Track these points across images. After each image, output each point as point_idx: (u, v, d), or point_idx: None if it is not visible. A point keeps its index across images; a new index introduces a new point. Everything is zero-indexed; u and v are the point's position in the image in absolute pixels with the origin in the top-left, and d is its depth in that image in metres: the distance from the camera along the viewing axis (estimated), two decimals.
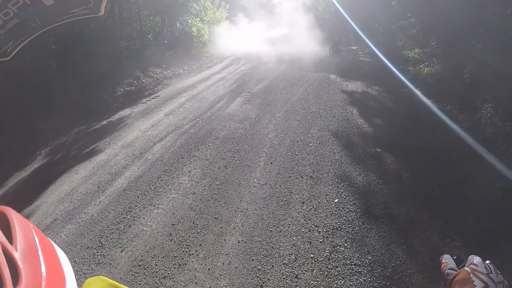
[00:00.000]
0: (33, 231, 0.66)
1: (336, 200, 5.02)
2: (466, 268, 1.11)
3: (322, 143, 7.05)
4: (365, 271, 3.70)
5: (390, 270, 3.71)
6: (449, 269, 1.26)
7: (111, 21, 15.92)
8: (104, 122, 9.64)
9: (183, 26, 21.55)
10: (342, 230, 4.38)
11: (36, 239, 0.65)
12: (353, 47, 23.74)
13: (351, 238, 4.23)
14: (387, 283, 3.55)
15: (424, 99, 10.10)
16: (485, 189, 5.20)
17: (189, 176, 5.92)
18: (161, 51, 19.11)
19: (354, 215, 4.67)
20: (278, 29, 37.35)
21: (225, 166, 6.21)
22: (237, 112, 9.49)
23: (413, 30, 16.21)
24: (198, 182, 5.69)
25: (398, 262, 3.82)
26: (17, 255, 0.57)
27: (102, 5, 2.15)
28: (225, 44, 27.97)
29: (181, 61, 19.57)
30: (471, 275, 1.06)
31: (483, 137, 6.94)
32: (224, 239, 4.30)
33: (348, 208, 4.84)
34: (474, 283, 1.04)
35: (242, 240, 4.26)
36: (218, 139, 7.53)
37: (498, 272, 1.07)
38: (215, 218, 4.72)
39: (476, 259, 1.12)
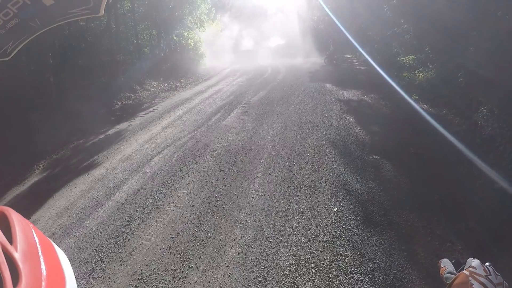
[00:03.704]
0: (33, 231, 0.68)
1: (335, 209, 5.04)
2: (465, 271, 1.14)
3: (320, 153, 7.08)
4: (367, 279, 3.72)
5: (391, 277, 3.73)
6: (448, 273, 1.28)
7: (108, 34, 16.06)
8: (102, 136, 9.67)
9: (180, 39, 21.72)
10: (342, 238, 4.40)
11: (36, 239, 0.66)
12: (348, 56, 23.85)
13: (351, 246, 4.25)
14: None
15: (420, 105, 10.16)
16: (484, 192, 5.25)
17: (188, 189, 5.92)
18: (157, 64, 19.23)
19: (354, 223, 4.69)
20: (274, 39, 37.63)
21: (224, 178, 6.21)
22: (234, 124, 9.53)
23: (407, 37, 16.32)
24: (196, 195, 5.70)
25: (400, 268, 3.84)
26: (17, 255, 0.58)
27: (102, 5, 2.17)
28: (222, 56, 28.11)
29: (178, 74, 19.71)
30: (470, 278, 1.08)
31: (480, 140, 7.00)
32: (224, 251, 4.29)
33: (347, 216, 4.86)
34: (473, 286, 1.05)
35: (242, 252, 4.25)
36: (216, 151, 7.54)
37: (497, 273, 1.09)
38: (214, 230, 4.72)
39: (475, 261, 1.16)
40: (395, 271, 3.81)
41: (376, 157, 6.74)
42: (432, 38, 12.86)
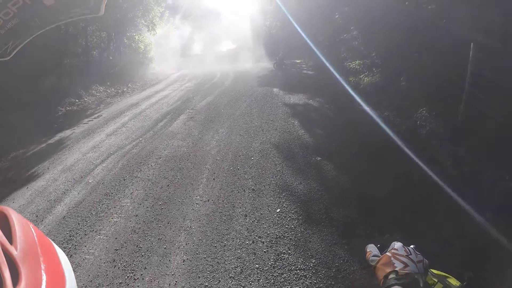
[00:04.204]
0: (33, 231, 0.68)
1: (278, 210, 5.18)
2: (387, 253, 1.25)
3: (264, 156, 7.23)
4: (310, 274, 3.87)
5: (334, 270, 3.91)
6: (373, 256, 1.39)
7: (56, 36, 15.50)
8: (43, 145, 9.36)
9: (130, 42, 21.31)
10: (285, 238, 4.53)
11: (36, 239, 0.66)
12: (297, 61, 24.21)
13: (294, 244, 4.39)
14: (332, 282, 3.73)
15: (364, 107, 10.52)
16: (420, 185, 5.61)
17: (131, 198, 5.88)
18: (106, 68, 18.79)
19: (296, 223, 4.84)
20: (225, 43, 37.60)
21: (168, 186, 6.22)
22: (180, 130, 9.54)
23: (355, 43, 16.89)
24: (140, 204, 5.66)
25: (341, 261, 4.03)
26: (17, 255, 0.58)
27: (102, 5, 2.16)
28: (171, 60, 27.84)
29: (126, 78, 19.37)
30: (392, 258, 1.19)
31: (418, 139, 7.47)
32: (169, 260, 4.28)
33: (290, 216, 5.01)
34: (394, 264, 1.16)
35: (187, 259, 4.26)
36: (160, 158, 7.53)
37: (417, 253, 1.22)
38: (159, 239, 4.71)
39: (397, 244, 1.27)
40: (337, 264, 4.00)
41: (319, 158, 6.98)
42: (379, 44, 13.46)
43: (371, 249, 1.49)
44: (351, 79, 14.16)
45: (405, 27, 11.07)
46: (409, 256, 1.19)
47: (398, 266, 1.15)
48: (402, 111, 9.03)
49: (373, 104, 10.45)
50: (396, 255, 1.21)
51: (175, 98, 14.49)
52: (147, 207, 5.56)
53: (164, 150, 7.97)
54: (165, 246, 4.56)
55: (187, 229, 4.90)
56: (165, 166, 7.11)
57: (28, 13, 2.05)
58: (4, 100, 11.05)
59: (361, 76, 13.82)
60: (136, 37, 21.59)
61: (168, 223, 5.07)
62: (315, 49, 19.77)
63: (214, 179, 6.37)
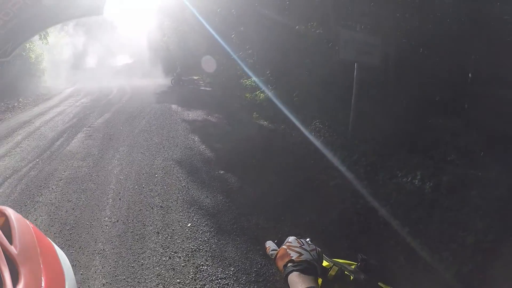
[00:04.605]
0: (33, 231, 0.69)
1: (189, 225, 5.41)
2: (283, 246, 1.38)
3: (168, 173, 7.47)
4: (232, 282, 4.13)
5: (254, 275, 4.21)
6: (272, 250, 1.50)
7: None
8: None
9: (20, 51, 19.92)
10: (201, 250, 4.75)
11: (36, 239, 0.68)
12: (195, 77, 24.51)
13: (211, 256, 4.62)
14: (255, 287, 4.07)
15: (260, 122, 11.29)
16: (320, 190, 6.36)
17: (36, 225, 5.34)
18: None
19: (209, 235, 5.11)
20: (121, 57, 36.51)
21: (73, 209, 6.10)
22: (79, 149, 9.39)
23: (251, 61, 17.60)
24: (47, 230, 5.39)
25: (259, 266, 4.37)
26: (17, 255, 0.59)
27: (102, 5, 2.27)
28: (64, 73, 26.51)
29: (16, 91, 18.12)
30: (288, 250, 1.32)
31: (314, 148, 8.33)
32: (88, 286, 4.17)
33: (201, 229, 5.27)
34: (290, 254, 1.28)
35: (107, 282, 4.20)
36: (61, 180, 7.36)
37: (310, 243, 1.36)
38: (73, 265, 4.28)
39: (291, 238, 1.40)
40: (255, 269, 4.32)
41: (222, 171, 7.41)
42: (273, 63, 14.35)
43: (270, 244, 1.57)
44: (247, 95, 15.04)
45: (296, 47, 12.12)
46: (303, 246, 1.31)
47: (294, 255, 1.26)
48: (297, 125, 9.92)
49: (269, 119, 11.34)
50: (291, 247, 1.31)
51: (70, 115, 14.03)
52: (54, 233, 5.36)
53: (64, 172, 7.79)
54: (81, 272, 4.39)
55: (101, 252, 4.82)
56: (67, 188, 6.95)
57: (28, 13, 2.15)
58: None
59: (257, 92, 14.73)
60: (27, 46, 20.17)
61: (80, 248, 4.93)
62: (212, 67, 20.38)
63: (120, 198, 6.42)
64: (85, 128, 11.63)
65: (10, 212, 0.69)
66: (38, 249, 0.66)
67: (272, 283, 4.06)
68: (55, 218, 5.86)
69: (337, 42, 8.31)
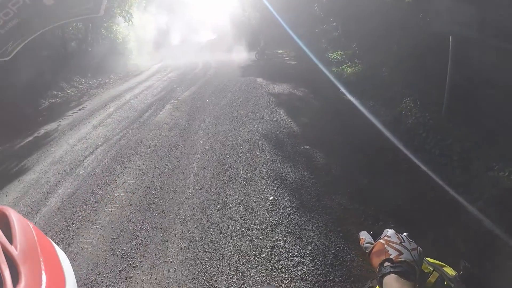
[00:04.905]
0: (33, 231, 0.69)
1: (271, 198, 5.28)
2: (381, 240, 1.23)
3: (253, 145, 7.33)
4: (307, 261, 3.95)
5: (331, 257, 4.00)
6: (367, 243, 1.37)
7: None
8: (30, 138, 9.19)
9: (108, 33, 20.92)
10: (280, 225, 4.62)
11: (36, 239, 0.67)
12: (279, 51, 24.16)
13: (289, 232, 4.48)
14: (330, 269, 3.82)
15: (348, 97, 10.68)
16: (410, 174, 5.75)
17: (124, 188, 5.91)
18: (85, 60, 18.31)
19: (290, 210, 4.94)
20: (205, 34, 37.16)
21: (159, 175, 6.26)
22: (167, 120, 9.56)
23: (335, 34, 16.98)
24: (133, 193, 5.69)
25: (337, 249, 4.13)
26: (17, 255, 0.59)
27: (102, 5, 2.18)
28: (151, 51, 27.47)
29: (107, 69, 18.99)
30: (386, 245, 1.17)
31: (404, 128, 7.58)
32: (167, 247, 4.34)
33: (283, 204, 5.10)
34: (388, 252, 1.14)
35: (185, 246, 4.33)
36: (149, 148, 7.56)
37: (411, 240, 1.20)
38: (155, 227, 4.76)
39: (390, 231, 1.25)
40: (333, 251, 4.09)
41: (307, 147, 7.10)
42: (359, 35, 13.58)
43: (364, 236, 1.46)
44: (333, 69, 14.27)
45: (385, 19, 11.22)
46: (403, 243, 1.17)
47: (393, 253, 1.13)
48: (386, 102, 9.16)
49: (357, 94, 10.60)
50: (390, 242, 1.18)
51: (158, 88, 14.40)
52: (140, 196, 5.60)
53: (152, 140, 7.99)
54: (161, 234, 4.60)
55: (182, 217, 4.96)
56: (155, 156, 7.14)
57: (28, 13, 2.06)
58: None
59: (344, 66, 13.97)
60: (114, 28, 21.12)
61: (162, 212, 5.12)
62: (297, 40, 19.84)
63: (204, 167, 6.44)
64: (172, 101, 11.84)
65: (10, 212, 0.68)
66: (38, 249, 0.66)
67: (348, 269, 3.86)
68: (142, 183, 6.06)
69: (428, 11, 7.39)
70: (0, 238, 0.60)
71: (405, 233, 1.25)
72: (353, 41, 14.74)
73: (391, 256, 1.11)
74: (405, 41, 9.77)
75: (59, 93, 14.13)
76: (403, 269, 1.07)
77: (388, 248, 1.15)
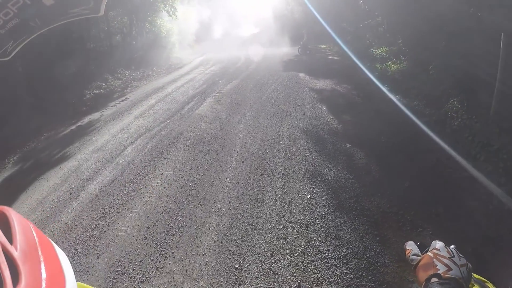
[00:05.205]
0: (33, 231, 0.67)
1: (308, 196, 5.12)
2: (429, 253, 1.15)
3: (293, 141, 7.16)
4: (341, 264, 3.80)
5: (365, 262, 3.82)
6: (413, 255, 1.29)
7: (77, 21, 15.61)
8: (74, 127, 9.47)
9: (152, 27, 21.28)
10: (316, 225, 4.47)
11: (36, 239, 0.66)
12: (322, 46, 23.82)
13: (325, 232, 4.32)
14: (363, 274, 3.65)
15: (392, 95, 10.29)
16: (453, 179, 5.41)
17: (162, 178, 5.92)
18: (129, 53, 18.77)
19: (327, 210, 4.77)
20: (248, 28, 37.20)
21: (197, 167, 6.23)
22: (207, 113, 9.54)
23: (380, 29, 16.47)
24: (170, 184, 5.69)
25: (373, 253, 3.94)
26: (17, 255, 0.58)
27: (102, 5, 2.15)
28: (194, 44, 27.77)
29: (150, 62, 19.39)
30: (434, 259, 1.10)
31: (449, 130, 7.17)
32: (200, 240, 4.31)
33: (320, 203, 4.94)
34: (437, 267, 1.07)
35: (218, 240, 4.28)
36: (189, 140, 7.56)
37: (460, 255, 1.12)
38: (189, 219, 4.73)
39: (439, 244, 1.17)
40: (368, 256, 3.90)
41: (348, 145, 6.85)
42: (405, 31, 13.08)
43: (411, 247, 1.37)
44: (377, 66, 13.81)
45: (431, 14, 10.74)
46: (452, 258, 1.10)
47: (441, 269, 1.07)
48: (431, 101, 8.75)
49: (401, 93, 10.21)
50: (438, 256, 1.11)
51: (200, 81, 14.47)
52: (177, 187, 5.60)
53: (192, 133, 7.99)
54: (195, 227, 4.59)
55: (218, 210, 4.91)
56: (194, 148, 7.12)
57: (28, 13, 2.03)
58: (36, 85, 11.21)
59: (388, 63, 13.46)
60: (158, 22, 21.48)
61: (198, 204, 5.09)
62: (339, 35, 19.47)
63: (243, 162, 6.35)
64: (214, 94, 11.84)
65: (10, 212, 0.67)
66: (38, 249, 0.64)
67: (382, 275, 3.67)
68: (180, 174, 6.05)
69: (480, 6, 6.91)
70: (0, 238, 0.59)
71: (452, 246, 1.16)
72: (398, 36, 14.21)
73: (439, 272, 1.05)
74: (453, 39, 9.28)
75: (103, 84, 14.50)
76: (451, 287, 1.01)
77: (437, 263, 1.08)
